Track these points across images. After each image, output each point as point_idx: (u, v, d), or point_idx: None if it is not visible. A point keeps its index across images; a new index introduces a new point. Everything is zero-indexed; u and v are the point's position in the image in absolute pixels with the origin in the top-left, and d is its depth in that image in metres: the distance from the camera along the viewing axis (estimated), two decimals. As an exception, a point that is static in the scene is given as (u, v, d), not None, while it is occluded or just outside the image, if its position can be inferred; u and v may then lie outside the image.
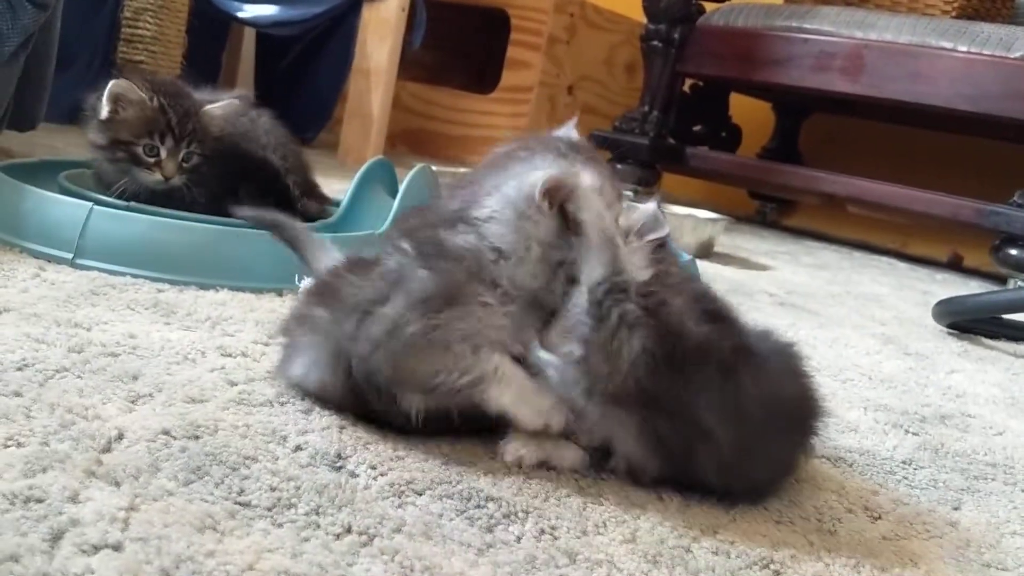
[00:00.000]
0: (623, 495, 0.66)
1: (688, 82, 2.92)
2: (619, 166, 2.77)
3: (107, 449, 0.57)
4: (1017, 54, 2.23)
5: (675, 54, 2.70)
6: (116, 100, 1.07)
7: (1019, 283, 2.17)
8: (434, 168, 1.65)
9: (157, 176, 1.10)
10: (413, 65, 3.10)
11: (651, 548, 0.58)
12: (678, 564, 0.57)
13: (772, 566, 0.59)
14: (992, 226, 2.20)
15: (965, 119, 2.38)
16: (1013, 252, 2.17)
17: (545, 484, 0.65)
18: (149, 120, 1.08)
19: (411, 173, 1.27)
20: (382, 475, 0.61)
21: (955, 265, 2.70)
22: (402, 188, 1.25)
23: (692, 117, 2.95)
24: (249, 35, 2.84)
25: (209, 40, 2.44)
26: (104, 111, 1.07)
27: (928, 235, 2.86)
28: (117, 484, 0.53)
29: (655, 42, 2.72)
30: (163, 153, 1.09)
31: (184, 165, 1.12)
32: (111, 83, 1.06)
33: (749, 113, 3.17)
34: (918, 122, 2.81)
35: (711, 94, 3.00)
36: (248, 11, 2.39)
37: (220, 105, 1.16)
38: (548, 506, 0.62)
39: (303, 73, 2.63)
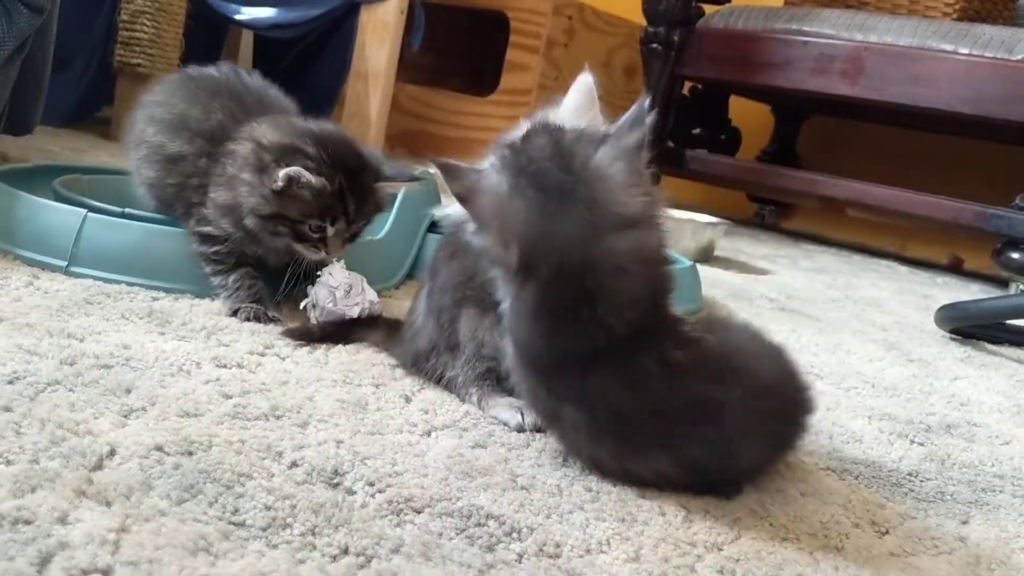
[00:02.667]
0: (625, 511, 0.64)
1: (687, 85, 2.91)
2: (618, 169, 2.75)
3: (98, 466, 0.56)
4: (1019, 56, 2.22)
5: (674, 57, 2.69)
6: (292, 182, 0.90)
7: (1021, 287, 2.15)
8: (432, 171, 1.63)
9: (321, 255, 0.96)
10: (412, 67, 3.08)
11: (656, 567, 0.57)
12: (683, 584, 0.55)
13: (779, 585, 0.57)
14: (994, 229, 2.19)
15: (966, 122, 2.37)
16: (1015, 256, 2.16)
17: (547, 500, 0.63)
18: (325, 205, 0.93)
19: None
20: (380, 492, 0.60)
21: (955, 268, 2.69)
22: (401, 194, 1.24)
23: (691, 120, 2.94)
24: (247, 37, 2.83)
25: (207, 42, 2.43)
26: (278, 184, 0.90)
27: (928, 238, 2.85)
28: (108, 504, 0.51)
29: (654, 45, 2.71)
30: (330, 232, 0.94)
31: (348, 244, 0.99)
32: (290, 169, 0.89)
33: (748, 116, 3.16)
34: (918, 125, 2.80)
35: (710, 97, 2.99)
36: (246, 13, 2.37)
37: (400, 185, 1.02)
38: (550, 523, 0.60)
39: (301, 75, 2.61)
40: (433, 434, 0.72)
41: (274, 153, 0.92)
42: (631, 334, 0.65)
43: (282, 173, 0.89)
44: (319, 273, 0.97)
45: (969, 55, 2.26)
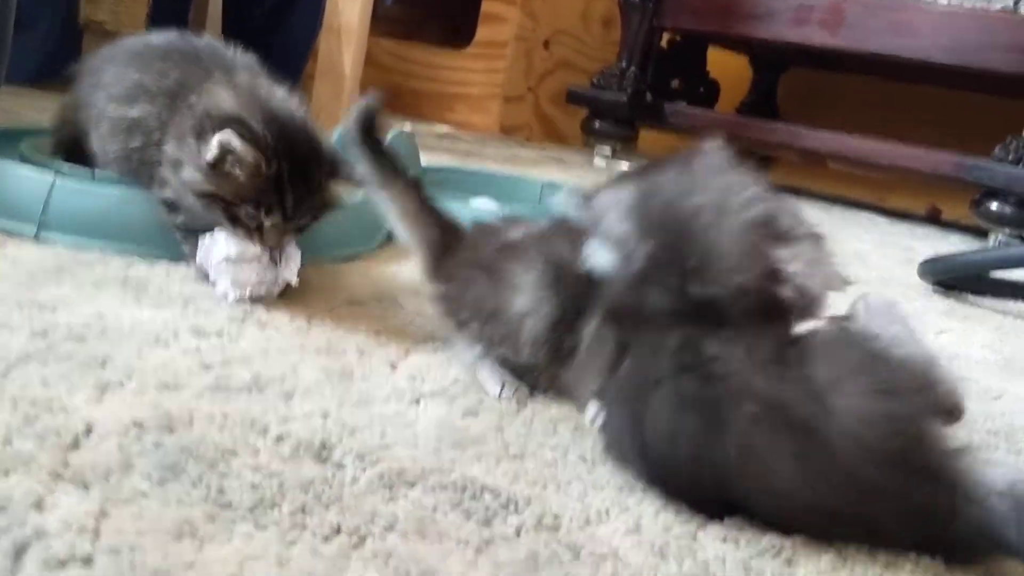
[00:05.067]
0: (623, 479, 0.63)
1: (665, 37, 2.86)
2: (597, 123, 2.72)
3: (75, 446, 0.53)
4: (998, 6, 2.20)
5: (652, 8, 2.64)
6: (226, 152, 0.83)
7: (1001, 238, 2.16)
8: (408, 128, 1.60)
9: (255, 245, 0.87)
10: (387, 21, 3.01)
11: (657, 538, 0.55)
12: (686, 556, 0.54)
13: (784, 554, 0.56)
14: (973, 180, 2.19)
15: (946, 72, 2.35)
16: (994, 206, 2.16)
17: (543, 470, 0.62)
18: (260, 190, 0.84)
19: (389, 137, 1.22)
20: (371, 466, 0.57)
21: (933, 219, 2.69)
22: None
23: (670, 72, 2.90)
24: (214, -8, 2.75)
25: (174, 0, 2.36)
26: (209, 155, 0.83)
27: (908, 189, 2.84)
28: (86, 487, 0.49)
29: (633, -4, 2.66)
30: (266, 224, 0.86)
31: (292, 235, 0.90)
32: (222, 134, 0.81)
33: (727, 68, 3.13)
34: (898, 75, 2.78)
35: (689, 49, 2.96)
36: (213, -34, 2.30)
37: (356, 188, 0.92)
38: (547, 494, 0.59)
39: (273, 32, 2.55)
40: (422, 402, 0.70)
41: (215, 121, 0.85)
42: None
43: (215, 140, 0.82)
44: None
45: (949, 5, 2.24)
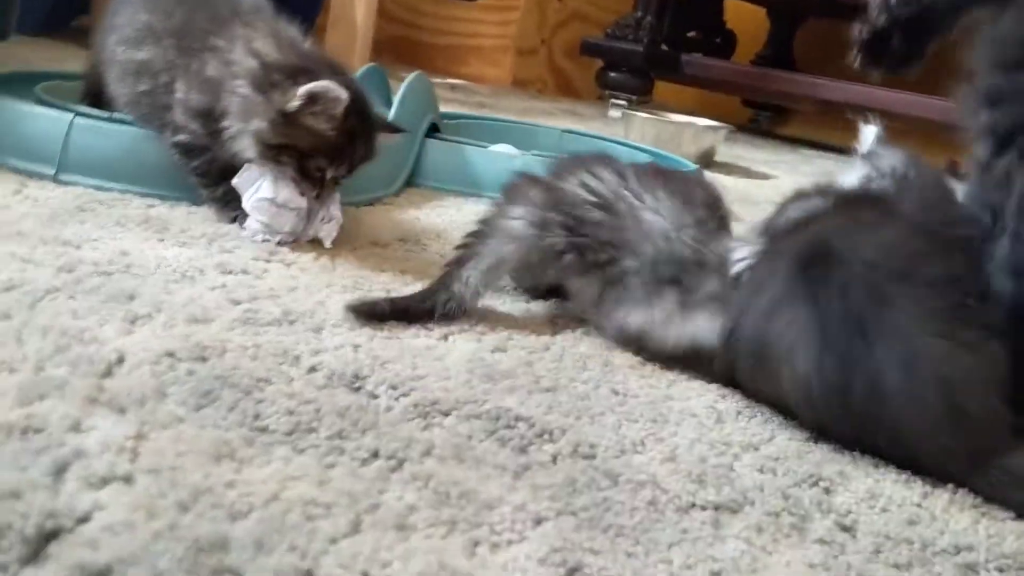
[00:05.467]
0: (656, 412, 0.62)
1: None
2: (612, 74, 2.69)
3: (108, 374, 0.53)
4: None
5: (669, -44, 2.60)
6: (314, 101, 0.81)
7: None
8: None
9: (302, 196, 0.86)
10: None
11: (694, 467, 0.55)
12: (725, 483, 0.53)
13: (822, 483, 0.56)
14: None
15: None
16: (1016, 157, 2.12)
17: (575, 402, 0.61)
18: (337, 145, 0.84)
19: (408, 80, 1.21)
20: (404, 396, 0.57)
21: (952, 172, 2.66)
22: (399, 95, 1.19)
23: (686, 23, 2.86)
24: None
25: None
26: (294, 104, 0.81)
27: (925, 139, 2.81)
28: (122, 411, 0.49)
29: (648, -56, 2.62)
30: (329, 175, 0.86)
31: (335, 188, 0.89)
32: (317, 84, 0.80)
33: (744, 19, 3.08)
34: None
35: (706, -1, 2.91)
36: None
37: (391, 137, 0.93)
38: (581, 424, 0.58)
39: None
40: (451, 338, 0.69)
41: (286, 72, 0.83)
42: None
43: (302, 90, 0.80)
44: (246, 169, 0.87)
45: (975, -51, 2.19)
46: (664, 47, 2.72)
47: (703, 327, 0.69)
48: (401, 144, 1.17)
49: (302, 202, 0.86)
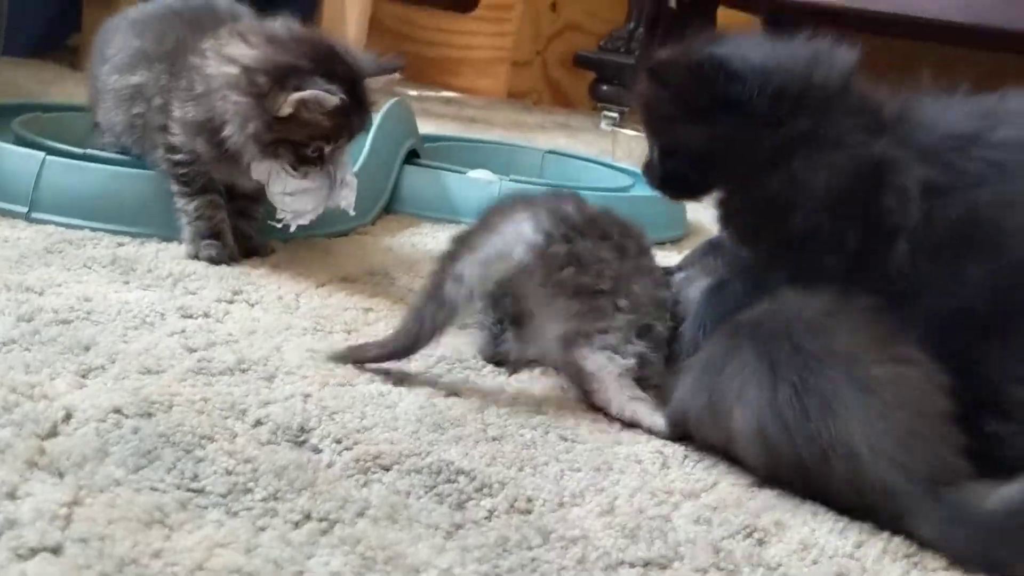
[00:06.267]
0: (601, 459, 0.63)
1: (675, -3, 2.82)
2: (604, 87, 2.69)
3: (52, 433, 0.54)
4: (1014, -39, 2.15)
5: (660, -32, 2.61)
6: (304, 106, 0.83)
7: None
8: (413, 94, 1.58)
9: (308, 178, 0.88)
10: (393, -16, 2.99)
11: (630, 520, 0.56)
12: (657, 537, 0.54)
13: (756, 534, 0.56)
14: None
15: (960, 30, 2.31)
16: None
17: (520, 452, 0.62)
18: (335, 126, 0.86)
19: (386, 107, 1.22)
20: (347, 449, 0.58)
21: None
22: (376, 122, 1.20)
23: (679, 33, 2.86)
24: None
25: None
26: (285, 111, 0.83)
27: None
28: (60, 475, 0.50)
29: (639, -45, 2.62)
30: (327, 151, 0.88)
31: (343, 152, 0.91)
32: (307, 93, 0.82)
33: (740, 28, 3.08)
34: (915, 34, 2.72)
35: (698, 10, 2.90)
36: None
37: (384, 80, 0.93)
38: (523, 476, 0.59)
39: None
40: (406, 382, 0.70)
41: (271, 75, 0.84)
42: None
43: (293, 98, 0.82)
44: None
45: (964, -39, 2.19)
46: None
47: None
48: (377, 173, 1.18)
49: (311, 183, 0.88)
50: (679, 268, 0.84)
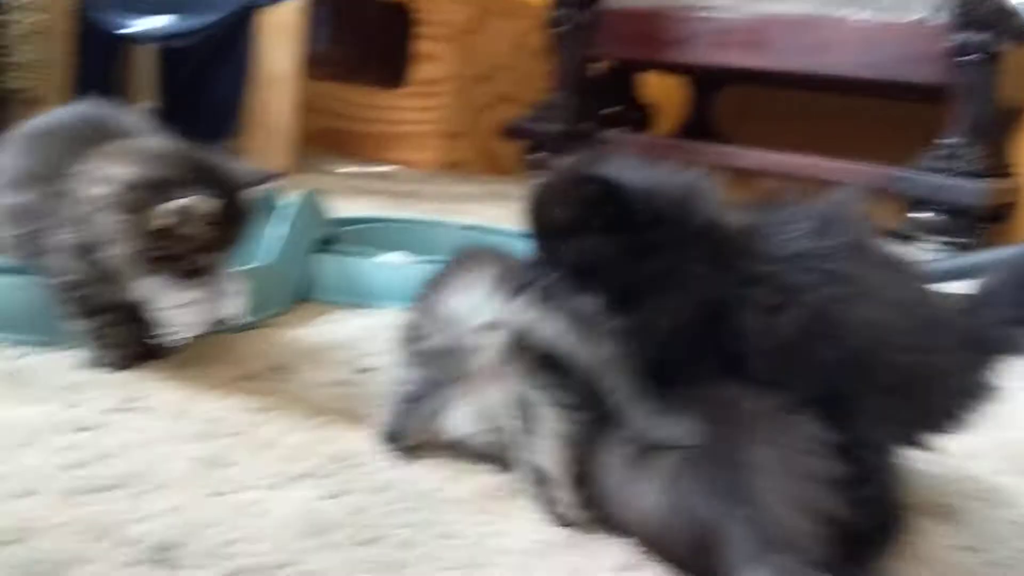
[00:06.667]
0: (481, 550, 0.64)
1: (600, 64, 2.90)
2: (536, 155, 2.75)
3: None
4: (911, 18, 2.25)
5: (582, 38, 2.68)
6: (180, 215, 0.84)
7: (931, 246, 2.19)
8: (351, 170, 1.60)
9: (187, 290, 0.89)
10: (324, 63, 3.04)
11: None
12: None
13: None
14: (899, 191, 2.22)
15: (868, 84, 2.40)
16: (921, 216, 2.20)
17: (395, 553, 0.63)
18: (214, 238, 0.87)
19: (299, 202, 1.24)
20: (211, 566, 0.59)
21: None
22: (292, 216, 1.22)
23: (605, 100, 2.93)
24: (145, 52, 2.76)
25: (102, 57, 2.37)
26: (156, 224, 0.84)
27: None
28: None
29: (561, 27, 2.70)
30: (202, 264, 0.89)
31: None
32: (181, 203, 0.83)
33: (667, 90, 3.17)
34: (828, 88, 2.82)
35: (622, 75, 2.99)
36: (137, 26, 2.31)
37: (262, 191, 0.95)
38: (390, 578, 0.60)
39: (202, 86, 2.56)
40: (287, 486, 0.71)
41: (146, 190, 0.86)
42: None
43: (167, 208, 0.83)
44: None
45: (864, 19, 2.29)
46: (584, 124, 2.79)
47: None
48: (290, 266, 1.20)
49: (196, 296, 0.89)
50: None
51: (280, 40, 2.41)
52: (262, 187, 0.93)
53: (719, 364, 0.71)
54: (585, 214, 0.71)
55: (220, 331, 1.01)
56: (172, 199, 0.84)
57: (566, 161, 0.80)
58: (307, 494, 0.70)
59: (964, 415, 0.72)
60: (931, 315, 0.72)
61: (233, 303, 0.91)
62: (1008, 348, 0.72)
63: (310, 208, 1.29)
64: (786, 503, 0.62)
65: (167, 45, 2.48)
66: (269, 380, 0.94)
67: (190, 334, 0.90)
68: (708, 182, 0.77)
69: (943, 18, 2.20)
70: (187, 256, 0.87)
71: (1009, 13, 2.22)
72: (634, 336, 0.71)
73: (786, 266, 0.70)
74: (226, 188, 0.88)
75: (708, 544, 0.61)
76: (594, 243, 0.72)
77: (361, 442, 0.80)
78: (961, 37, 2.13)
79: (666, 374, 0.71)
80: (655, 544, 0.65)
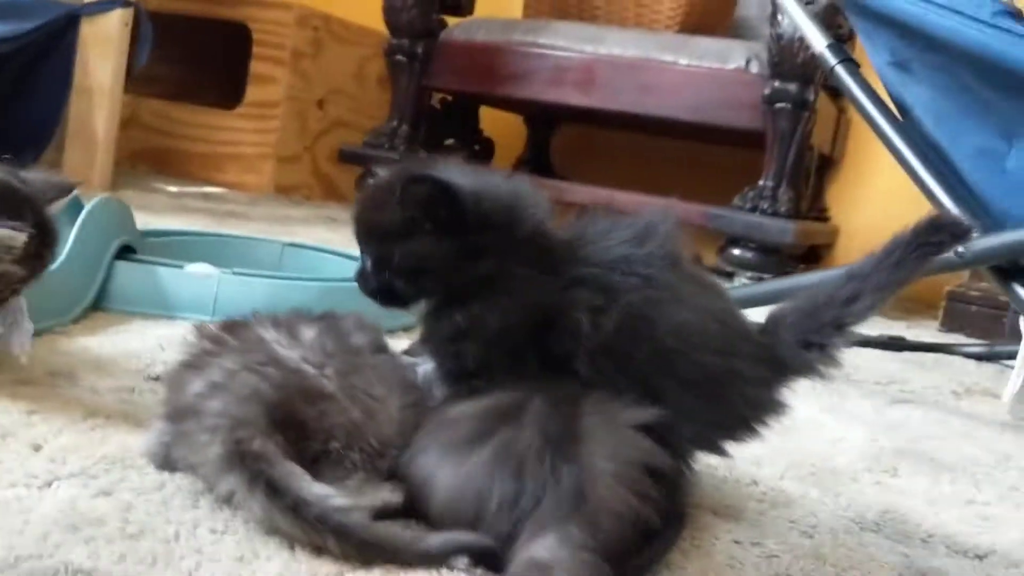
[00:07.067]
0: (250, 548, 0.62)
1: (438, 95, 2.93)
2: (370, 181, 2.74)
3: None
4: (732, 66, 2.38)
5: (420, 68, 2.71)
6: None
7: (744, 281, 2.31)
8: (172, 189, 1.54)
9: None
10: (155, 81, 2.93)
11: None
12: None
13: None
14: (716, 227, 2.34)
15: (693, 127, 2.52)
16: (736, 252, 2.31)
17: (157, 547, 0.60)
18: (29, 270, 0.84)
19: (88, 207, 1.18)
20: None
21: (698, 262, 2.85)
22: (80, 219, 1.16)
23: (443, 131, 2.96)
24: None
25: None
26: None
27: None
28: None
29: (399, 56, 2.71)
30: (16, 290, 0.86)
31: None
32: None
33: (503, 126, 3.23)
34: (654, 130, 2.95)
35: (461, 108, 3.03)
36: (-56, 29, 2.17)
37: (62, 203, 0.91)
38: (153, 571, 0.57)
39: (20, 96, 2.42)
40: (54, 484, 0.67)
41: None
42: None
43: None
44: None
45: (689, 66, 2.41)
46: (421, 154, 2.80)
47: None
48: (78, 271, 1.13)
49: None
50: (407, 353, 0.85)
51: (102, 53, 2.32)
52: (61, 201, 0.89)
53: (546, 365, 0.74)
54: (417, 215, 0.72)
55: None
56: None
57: (396, 165, 0.81)
58: (75, 492, 0.66)
59: (758, 425, 0.76)
60: (735, 326, 0.77)
61: (21, 342, 0.87)
62: (798, 369, 0.76)
63: (105, 213, 1.23)
64: (608, 475, 0.64)
65: (-22, 50, 2.34)
66: (47, 385, 0.88)
67: None
68: (532, 188, 0.78)
69: (760, 67, 2.35)
70: None
71: (819, 65, 2.39)
72: (463, 336, 0.73)
73: (607, 270, 0.73)
74: (33, 209, 0.83)
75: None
76: (425, 244, 0.72)
77: (138, 444, 0.76)
78: (773, 86, 2.28)
79: (493, 374, 0.73)
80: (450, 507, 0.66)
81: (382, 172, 0.80)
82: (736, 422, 0.76)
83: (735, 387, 0.74)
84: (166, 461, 0.72)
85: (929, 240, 0.75)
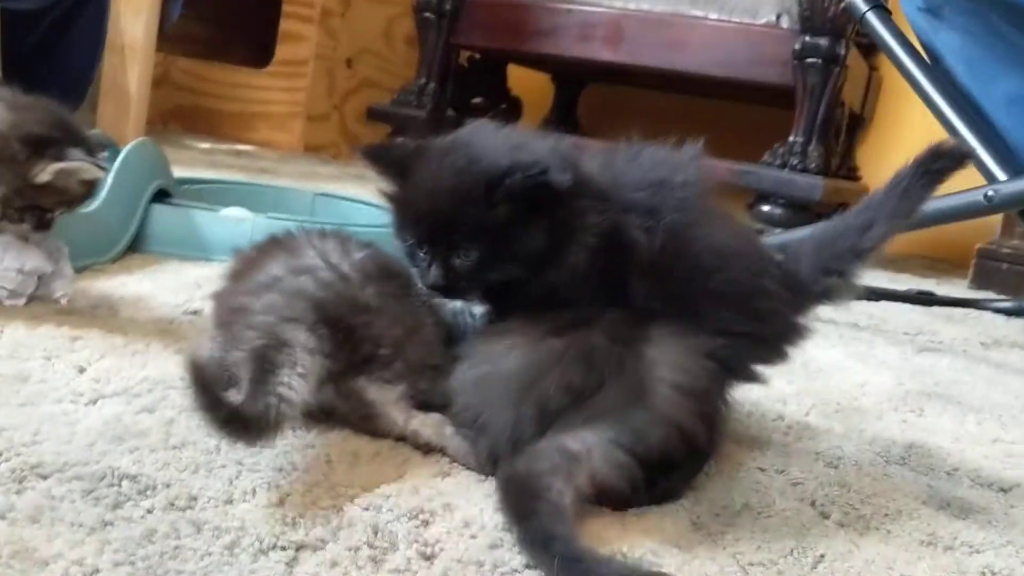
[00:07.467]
0: (287, 460, 0.64)
1: (466, 53, 2.92)
2: (399, 139, 2.75)
3: None
4: (762, 20, 2.36)
5: (448, 26, 2.70)
6: (64, 176, 0.85)
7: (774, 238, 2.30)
8: (204, 146, 1.56)
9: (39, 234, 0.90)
10: (186, 40, 2.95)
11: (297, 511, 0.57)
12: (320, 524, 0.56)
13: (422, 516, 0.59)
14: (745, 184, 2.33)
15: (720, 83, 2.50)
16: (765, 208, 2.30)
17: (199, 457, 0.62)
18: (83, 193, 0.90)
19: (125, 150, 1.20)
20: (5, 461, 0.57)
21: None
22: (116, 164, 1.18)
23: (471, 89, 2.96)
24: (-11, 10, 2.62)
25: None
26: (43, 178, 0.84)
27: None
28: None
29: (427, 14, 2.71)
30: (57, 215, 0.90)
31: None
32: (72, 164, 0.84)
33: (530, 85, 3.22)
34: (681, 88, 2.92)
35: (489, 65, 3.02)
36: (-24, -16, 2.19)
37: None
38: (195, 479, 0.59)
39: (54, 51, 2.45)
40: (99, 402, 0.69)
41: (27, 143, 0.84)
42: None
43: (55, 168, 0.83)
44: None
45: (719, 20, 2.39)
46: (449, 112, 2.80)
47: None
48: (117, 211, 1.16)
49: (47, 267, 0.89)
50: None
51: (135, 10, 2.33)
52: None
53: (610, 293, 0.74)
54: (520, 207, 0.70)
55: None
56: (57, 156, 0.84)
57: (441, 147, 0.74)
58: (119, 409, 0.68)
59: (785, 345, 0.77)
60: (762, 251, 0.79)
61: (62, 286, 0.91)
62: (820, 293, 0.77)
63: (142, 157, 1.25)
64: (668, 384, 0.66)
65: (11, 7, 2.37)
66: (89, 315, 0.91)
67: (16, 302, 0.89)
68: (564, 141, 0.78)
69: (790, 21, 2.32)
70: (53, 209, 0.88)
71: (851, 20, 2.35)
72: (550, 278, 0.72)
73: (647, 193, 0.74)
74: (93, 148, 0.88)
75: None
76: (529, 232, 0.71)
77: (179, 367, 0.78)
78: (803, 40, 2.25)
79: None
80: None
81: (424, 154, 0.74)
82: (766, 339, 0.77)
83: (765, 303, 0.75)
84: (215, 372, 0.72)
85: (932, 167, 0.78)
